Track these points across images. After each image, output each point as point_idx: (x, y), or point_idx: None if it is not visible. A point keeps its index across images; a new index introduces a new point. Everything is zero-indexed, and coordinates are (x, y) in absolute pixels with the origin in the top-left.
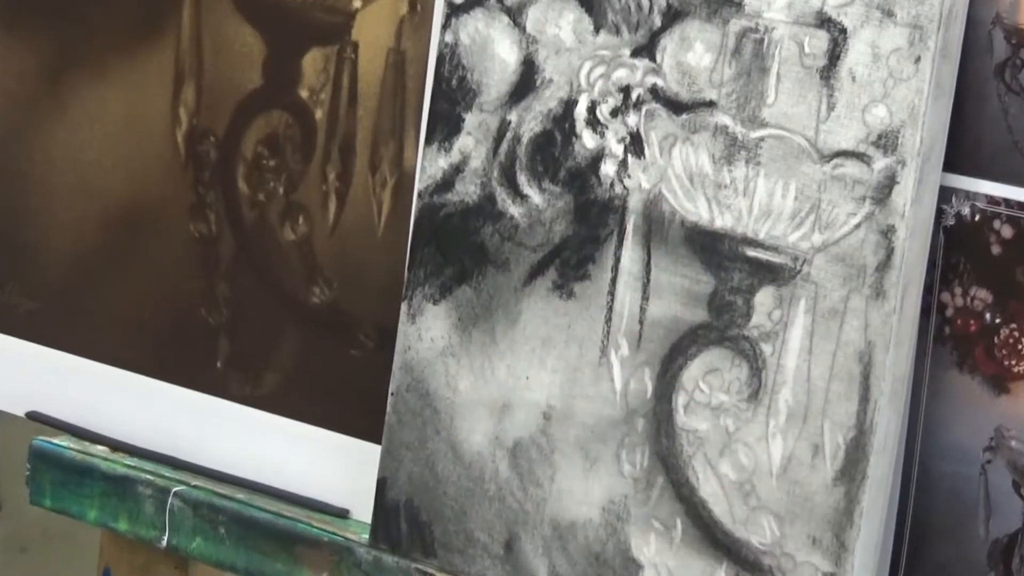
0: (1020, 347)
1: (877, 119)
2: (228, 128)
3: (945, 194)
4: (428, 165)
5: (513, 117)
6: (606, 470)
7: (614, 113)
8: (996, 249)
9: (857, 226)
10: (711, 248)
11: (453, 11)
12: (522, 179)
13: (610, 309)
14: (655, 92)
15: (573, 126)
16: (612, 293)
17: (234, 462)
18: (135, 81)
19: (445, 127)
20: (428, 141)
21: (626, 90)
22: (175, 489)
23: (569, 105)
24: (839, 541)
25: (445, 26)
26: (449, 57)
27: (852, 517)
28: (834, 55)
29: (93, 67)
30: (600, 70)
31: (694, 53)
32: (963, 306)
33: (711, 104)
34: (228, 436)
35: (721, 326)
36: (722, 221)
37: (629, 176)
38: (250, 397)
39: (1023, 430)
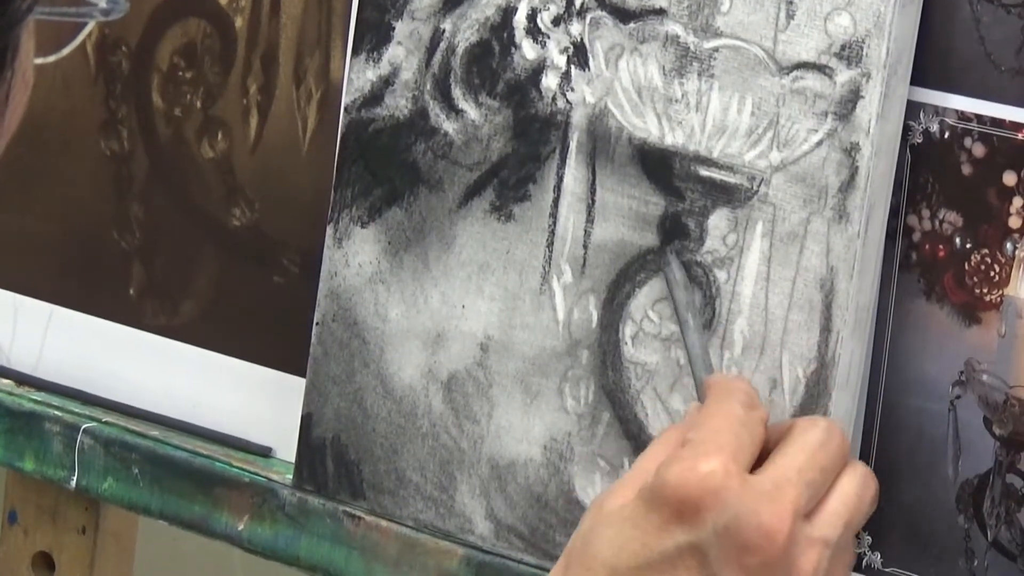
0: (992, 274)
1: (840, 28)
2: (141, 37)
3: (912, 109)
4: (356, 77)
5: (447, 25)
6: (548, 405)
7: (556, 21)
8: (967, 168)
9: (818, 143)
10: (661, 167)
11: None
12: (457, 92)
13: (552, 232)
14: None
15: (512, 35)
16: (554, 215)
17: (148, 397)
18: None
19: (374, 36)
20: (355, 51)
21: None
22: (85, 426)
23: (508, 13)
24: None
25: None
26: None
27: None
28: None
29: None
30: None
31: None
32: (931, 230)
33: (661, 12)
34: (142, 369)
35: (672, 251)
36: (673, 138)
37: (572, 89)
38: (165, 327)
39: (995, 363)
